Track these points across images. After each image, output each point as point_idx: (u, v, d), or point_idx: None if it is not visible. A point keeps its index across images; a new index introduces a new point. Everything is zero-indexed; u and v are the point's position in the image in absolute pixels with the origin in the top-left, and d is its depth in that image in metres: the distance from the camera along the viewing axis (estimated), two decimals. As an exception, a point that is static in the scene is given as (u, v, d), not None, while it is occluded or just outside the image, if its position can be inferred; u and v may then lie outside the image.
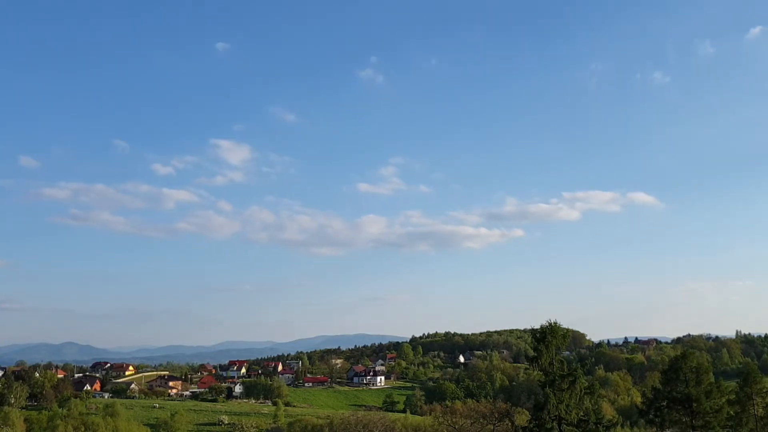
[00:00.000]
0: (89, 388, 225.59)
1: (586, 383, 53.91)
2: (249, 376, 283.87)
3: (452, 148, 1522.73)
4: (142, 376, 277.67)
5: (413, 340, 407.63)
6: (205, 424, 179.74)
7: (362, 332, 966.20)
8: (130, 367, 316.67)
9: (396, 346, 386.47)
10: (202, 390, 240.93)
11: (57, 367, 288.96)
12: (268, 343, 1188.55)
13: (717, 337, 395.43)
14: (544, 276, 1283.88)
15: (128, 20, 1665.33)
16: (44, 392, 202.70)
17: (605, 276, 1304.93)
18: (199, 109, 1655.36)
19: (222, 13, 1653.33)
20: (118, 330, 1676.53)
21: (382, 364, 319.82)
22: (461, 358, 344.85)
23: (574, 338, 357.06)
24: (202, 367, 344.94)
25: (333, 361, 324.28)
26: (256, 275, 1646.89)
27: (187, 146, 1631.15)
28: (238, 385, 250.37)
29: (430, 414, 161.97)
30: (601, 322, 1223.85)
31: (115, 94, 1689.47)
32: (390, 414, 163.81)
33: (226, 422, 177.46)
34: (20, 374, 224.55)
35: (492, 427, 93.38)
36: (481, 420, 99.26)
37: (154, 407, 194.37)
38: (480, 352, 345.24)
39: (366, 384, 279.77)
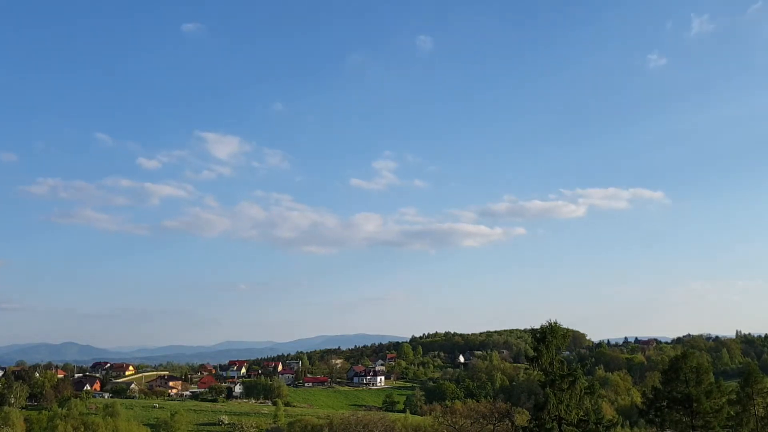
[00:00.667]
0: (89, 388, 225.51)
1: (586, 383, 53.81)
2: (249, 376, 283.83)
3: (448, 141, 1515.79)
4: (142, 376, 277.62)
5: (413, 340, 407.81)
6: (205, 424, 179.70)
7: (362, 332, 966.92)
8: (130, 367, 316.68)
9: (396, 346, 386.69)
10: (202, 390, 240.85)
11: (57, 367, 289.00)
12: (268, 343, 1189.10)
13: (717, 337, 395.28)
14: (545, 275, 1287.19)
15: (108, 12, 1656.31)
16: (44, 392, 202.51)
17: (606, 275, 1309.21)
18: (186, 102, 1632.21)
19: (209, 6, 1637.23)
20: (118, 330, 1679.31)
21: (382, 364, 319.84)
22: (461, 358, 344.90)
23: (574, 338, 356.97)
24: (202, 367, 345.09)
25: (333, 361, 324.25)
26: (252, 274, 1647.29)
27: (173, 140, 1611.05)
28: (238, 385, 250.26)
29: (430, 414, 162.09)
30: (601, 322, 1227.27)
31: (97, 87, 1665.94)
32: (390, 414, 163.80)
33: (226, 422, 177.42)
34: (20, 374, 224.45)
35: (492, 427, 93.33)
36: (481, 420, 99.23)
37: (154, 407, 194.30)
38: (480, 352, 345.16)
39: (366, 384, 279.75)
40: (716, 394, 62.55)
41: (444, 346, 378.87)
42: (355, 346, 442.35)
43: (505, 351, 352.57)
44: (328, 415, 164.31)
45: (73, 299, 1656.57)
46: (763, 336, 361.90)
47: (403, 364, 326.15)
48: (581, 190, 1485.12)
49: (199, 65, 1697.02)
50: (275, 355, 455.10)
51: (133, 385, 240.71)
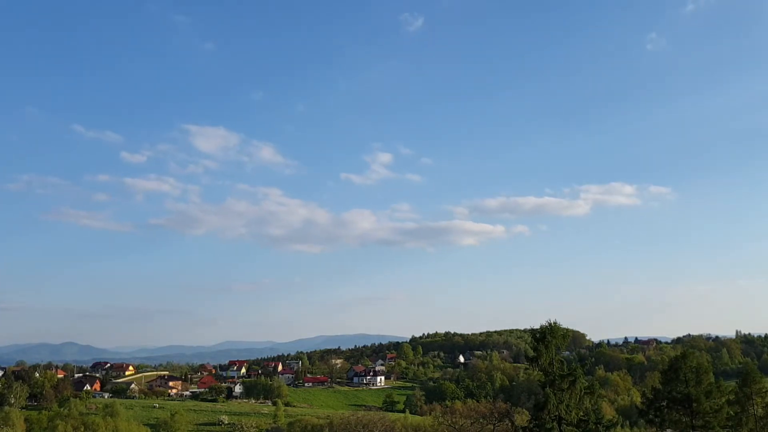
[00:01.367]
0: (89, 388, 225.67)
1: (586, 383, 53.90)
2: (249, 376, 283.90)
3: (444, 133, 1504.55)
4: (142, 376, 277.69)
5: (413, 340, 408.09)
6: (205, 424, 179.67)
7: (362, 332, 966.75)
8: (130, 367, 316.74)
9: (396, 346, 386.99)
10: (202, 390, 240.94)
11: (57, 367, 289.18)
12: (268, 343, 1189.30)
13: (717, 337, 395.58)
14: (545, 274, 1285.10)
15: (88, 3, 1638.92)
16: (44, 392, 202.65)
17: (606, 275, 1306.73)
18: (172, 95, 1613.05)
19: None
20: (118, 330, 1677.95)
21: (382, 364, 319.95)
22: (461, 358, 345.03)
23: (574, 338, 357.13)
24: (202, 367, 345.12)
25: (333, 361, 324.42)
26: (244, 273, 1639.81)
27: (157, 133, 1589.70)
28: (238, 385, 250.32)
29: (430, 414, 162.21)
30: (601, 322, 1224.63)
31: (79, 80, 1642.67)
32: (390, 414, 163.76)
33: (226, 422, 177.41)
34: (20, 374, 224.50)
35: (492, 427, 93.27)
36: (481, 420, 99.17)
37: (154, 407, 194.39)
38: (480, 352, 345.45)
39: (366, 384, 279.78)
40: (716, 394, 62.61)
41: (444, 346, 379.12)
42: (355, 346, 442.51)
43: (505, 351, 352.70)
44: (328, 415, 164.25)
45: (69, 299, 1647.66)
46: (763, 336, 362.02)
47: (403, 364, 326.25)
48: (585, 186, 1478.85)
49: (183, 56, 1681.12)
50: (275, 355, 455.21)
51: (133, 385, 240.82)
